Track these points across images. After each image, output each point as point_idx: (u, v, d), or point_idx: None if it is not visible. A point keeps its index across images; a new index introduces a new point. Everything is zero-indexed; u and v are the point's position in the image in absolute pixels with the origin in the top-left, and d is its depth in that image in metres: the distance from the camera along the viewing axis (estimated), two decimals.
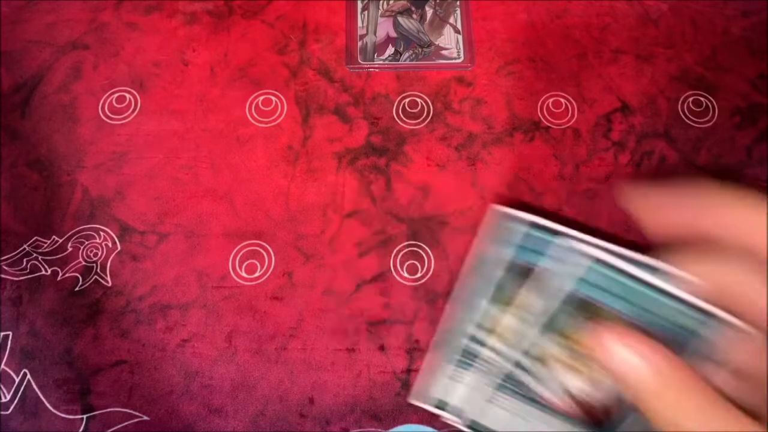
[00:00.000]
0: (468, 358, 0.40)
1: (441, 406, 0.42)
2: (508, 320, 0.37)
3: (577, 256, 0.33)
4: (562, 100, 0.65)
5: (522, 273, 0.36)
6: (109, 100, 0.65)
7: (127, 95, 0.65)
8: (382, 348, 0.56)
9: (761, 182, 0.62)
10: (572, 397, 0.37)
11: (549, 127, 0.64)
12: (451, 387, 0.41)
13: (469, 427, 0.41)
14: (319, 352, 0.56)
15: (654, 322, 0.32)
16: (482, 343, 0.39)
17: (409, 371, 0.55)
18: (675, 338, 0.32)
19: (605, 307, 0.33)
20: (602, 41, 0.68)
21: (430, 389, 0.42)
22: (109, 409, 0.53)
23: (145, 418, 0.53)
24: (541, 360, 0.36)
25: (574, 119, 0.64)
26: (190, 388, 0.54)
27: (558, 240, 0.34)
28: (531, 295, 0.36)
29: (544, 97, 0.65)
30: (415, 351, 0.56)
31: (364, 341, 0.56)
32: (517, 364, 0.38)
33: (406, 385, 0.55)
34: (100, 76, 0.66)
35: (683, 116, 0.64)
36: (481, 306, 0.38)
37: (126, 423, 0.53)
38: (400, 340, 0.56)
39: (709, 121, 0.64)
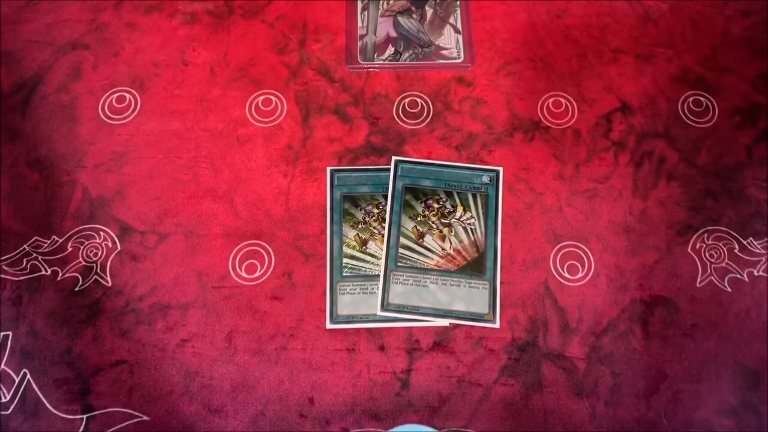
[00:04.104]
0: (351, 269, 0.58)
1: (350, 320, 0.56)
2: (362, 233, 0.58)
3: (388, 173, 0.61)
4: (562, 100, 0.65)
5: (358, 200, 0.59)
6: (109, 100, 0.65)
7: (127, 95, 0.65)
8: (382, 348, 0.56)
9: (761, 182, 0.62)
10: (448, 253, 0.58)
11: (549, 127, 0.64)
12: (348, 299, 0.57)
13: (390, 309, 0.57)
14: (319, 352, 0.56)
15: (453, 185, 0.60)
16: (352, 257, 0.58)
17: (409, 371, 0.55)
18: (467, 191, 0.59)
19: (423, 186, 0.60)
20: (602, 41, 0.68)
21: (338, 311, 0.57)
22: (109, 409, 0.53)
23: (145, 418, 0.53)
24: (415, 237, 0.58)
25: (574, 119, 0.64)
26: (190, 388, 0.54)
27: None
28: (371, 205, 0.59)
29: (544, 97, 0.65)
30: (415, 351, 0.56)
31: (364, 341, 0.56)
32: (404, 247, 0.58)
33: (406, 385, 0.55)
34: (100, 76, 0.66)
35: (683, 116, 0.64)
36: (345, 232, 0.59)
37: (126, 423, 0.53)
38: (400, 340, 0.56)
39: (709, 121, 0.64)
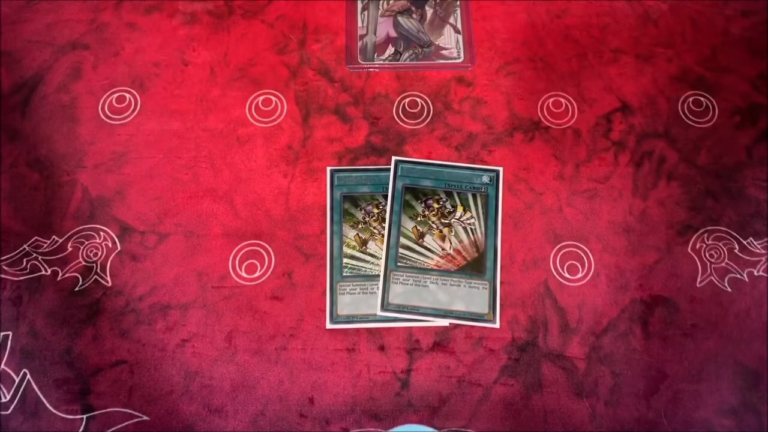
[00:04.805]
0: (351, 269, 0.58)
1: (350, 320, 0.56)
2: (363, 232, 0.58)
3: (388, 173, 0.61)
4: (562, 100, 0.65)
5: (359, 199, 0.59)
6: (109, 100, 0.65)
7: (127, 95, 0.65)
8: (382, 348, 0.56)
9: (761, 182, 0.62)
10: (448, 253, 0.58)
11: (549, 127, 0.64)
12: (348, 299, 0.57)
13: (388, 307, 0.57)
14: (319, 352, 0.56)
15: (453, 185, 0.60)
16: (352, 257, 0.58)
17: (409, 371, 0.55)
18: (467, 191, 0.59)
19: (423, 186, 0.60)
20: (602, 41, 0.68)
21: (338, 311, 0.57)
22: (109, 409, 0.53)
23: (145, 418, 0.53)
24: (415, 237, 0.58)
25: (574, 119, 0.64)
26: (190, 388, 0.54)
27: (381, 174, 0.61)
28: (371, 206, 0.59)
29: (544, 97, 0.65)
30: (415, 351, 0.56)
31: (364, 341, 0.56)
32: (404, 247, 0.57)
33: (406, 385, 0.55)
34: (100, 76, 0.66)
35: (683, 116, 0.64)
36: (345, 232, 0.59)
37: (126, 423, 0.53)
38: (400, 340, 0.56)
39: (709, 121, 0.64)
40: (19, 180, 0.61)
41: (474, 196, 0.60)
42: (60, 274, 0.57)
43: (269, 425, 0.53)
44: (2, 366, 0.54)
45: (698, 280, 0.58)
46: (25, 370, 0.54)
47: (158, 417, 0.53)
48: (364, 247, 0.58)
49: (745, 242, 0.59)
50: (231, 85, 0.65)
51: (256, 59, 0.66)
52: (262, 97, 0.65)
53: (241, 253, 0.59)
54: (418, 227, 0.59)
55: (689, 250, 0.59)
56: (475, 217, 0.59)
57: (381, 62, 0.66)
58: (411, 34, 0.68)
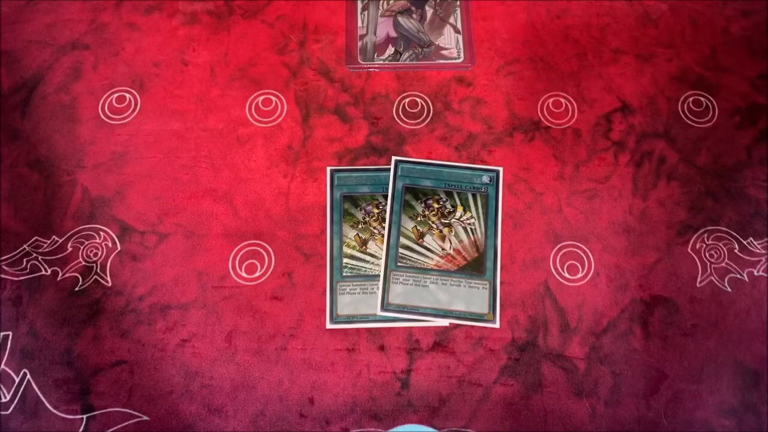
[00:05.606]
0: (351, 269, 0.57)
1: (350, 320, 0.57)
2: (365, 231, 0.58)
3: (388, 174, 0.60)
4: (562, 100, 0.65)
5: (359, 200, 0.59)
6: (109, 100, 0.65)
7: (127, 95, 0.65)
8: (382, 348, 0.56)
9: (761, 182, 0.62)
10: (448, 253, 0.58)
11: (549, 127, 0.64)
12: (348, 299, 0.57)
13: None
14: (319, 352, 0.56)
15: (453, 185, 0.60)
16: (352, 257, 0.58)
17: (409, 371, 0.55)
18: (467, 191, 0.59)
19: (423, 186, 0.60)
20: (602, 41, 0.68)
21: (338, 311, 0.57)
22: (109, 409, 0.53)
23: (145, 418, 0.53)
24: (415, 237, 0.58)
25: (574, 119, 0.64)
26: (190, 388, 0.54)
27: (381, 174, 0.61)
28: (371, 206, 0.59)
29: (544, 97, 0.65)
30: (415, 351, 0.56)
31: (364, 341, 0.56)
32: (404, 247, 0.57)
33: (406, 385, 0.55)
34: (100, 76, 0.66)
35: (683, 116, 0.64)
36: (345, 232, 0.58)
37: (126, 423, 0.53)
38: (400, 340, 0.56)
39: (709, 121, 0.64)
40: (19, 180, 0.61)
41: (474, 196, 0.60)
42: (60, 274, 0.57)
43: (269, 425, 0.53)
44: (2, 366, 0.54)
45: (698, 280, 0.58)
46: (25, 370, 0.54)
47: (158, 417, 0.53)
48: (364, 247, 0.58)
49: (745, 242, 0.59)
50: (231, 85, 0.65)
51: (256, 59, 0.66)
52: (262, 97, 0.65)
53: (241, 253, 0.59)
54: (418, 227, 0.59)
55: (689, 250, 0.59)
56: (475, 217, 0.59)
57: (381, 62, 0.66)
58: (411, 34, 0.68)
